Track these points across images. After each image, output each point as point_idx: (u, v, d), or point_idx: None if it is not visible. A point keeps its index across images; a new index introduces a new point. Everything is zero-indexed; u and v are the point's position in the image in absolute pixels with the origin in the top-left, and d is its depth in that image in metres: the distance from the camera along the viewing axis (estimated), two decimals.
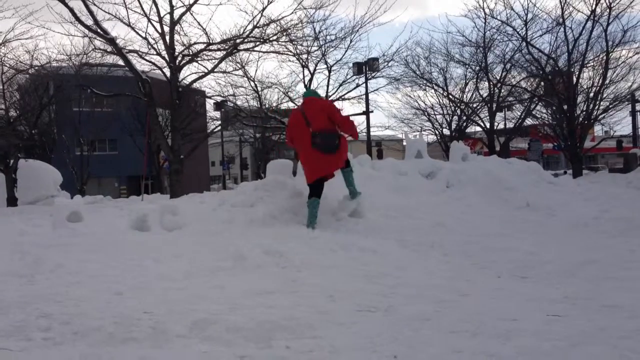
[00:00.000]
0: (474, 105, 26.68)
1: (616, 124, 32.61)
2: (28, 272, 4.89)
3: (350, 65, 25.97)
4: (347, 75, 26.21)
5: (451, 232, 7.11)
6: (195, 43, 16.27)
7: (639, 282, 4.31)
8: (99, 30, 14.35)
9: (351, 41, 23.51)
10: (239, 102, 25.77)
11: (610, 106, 22.50)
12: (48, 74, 21.01)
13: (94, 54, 18.72)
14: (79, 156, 31.58)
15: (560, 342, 3.02)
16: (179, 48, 15.88)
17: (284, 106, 28.20)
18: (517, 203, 8.80)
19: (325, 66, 24.86)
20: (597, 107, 21.30)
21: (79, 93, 27.62)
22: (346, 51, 24.18)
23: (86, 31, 15.02)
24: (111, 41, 14.60)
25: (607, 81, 20.80)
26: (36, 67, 19.41)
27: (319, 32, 21.66)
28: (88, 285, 4.47)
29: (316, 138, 7.28)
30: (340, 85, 26.25)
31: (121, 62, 16.41)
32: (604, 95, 21.45)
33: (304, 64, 24.07)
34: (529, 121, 27.30)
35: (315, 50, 22.63)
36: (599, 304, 3.78)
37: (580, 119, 21.03)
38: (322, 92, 24.00)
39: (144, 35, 15.81)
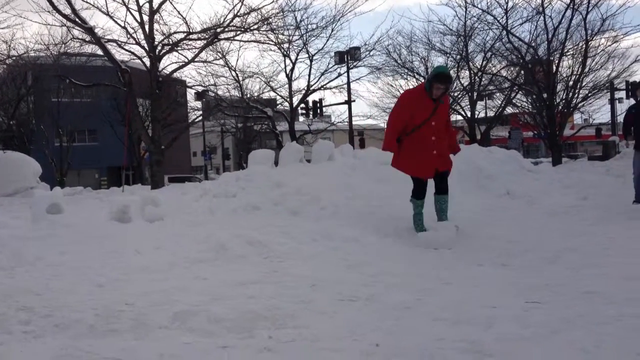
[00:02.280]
0: (455, 94, 26.78)
1: (595, 112, 32.81)
2: (8, 265, 4.84)
3: (332, 54, 25.97)
4: (328, 64, 26.25)
5: (432, 220, 7.14)
6: (175, 32, 16.17)
7: (618, 269, 4.35)
8: (77, 19, 14.20)
9: (332, 30, 23.57)
10: (220, 92, 25.71)
11: (590, 94, 22.76)
12: (26, 64, 20.72)
13: (73, 44, 18.47)
14: (58, 147, 31.25)
15: (540, 329, 3.05)
16: (158, 37, 15.78)
17: (265, 96, 28.16)
18: (497, 191, 8.85)
19: (306, 55, 24.86)
20: (576, 95, 21.52)
21: (58, 83, 27.27)
22: (327, 40, 24.25)
23: (64, 20, 14.86)
24: (89, 30, 14.44)
25: (586, 69, 21.02)
26: (14, 57, 19.13)
27: (300, 21, 21.68)
28: (68, 278, 4.44)
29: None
30: (322, 74, 26.28)
31: (100, 52, 16.24)
32: (583, 84, 21.70)
33: (285, 53, 24.03)
34: (509, 110, 27.51)
35: (296, 40, 22.63)
36: (578, 291, 3.82)
37: (560, 107, 21.21)
38: (303, 82, 24.08)
39: (122, 24, 15.66)
